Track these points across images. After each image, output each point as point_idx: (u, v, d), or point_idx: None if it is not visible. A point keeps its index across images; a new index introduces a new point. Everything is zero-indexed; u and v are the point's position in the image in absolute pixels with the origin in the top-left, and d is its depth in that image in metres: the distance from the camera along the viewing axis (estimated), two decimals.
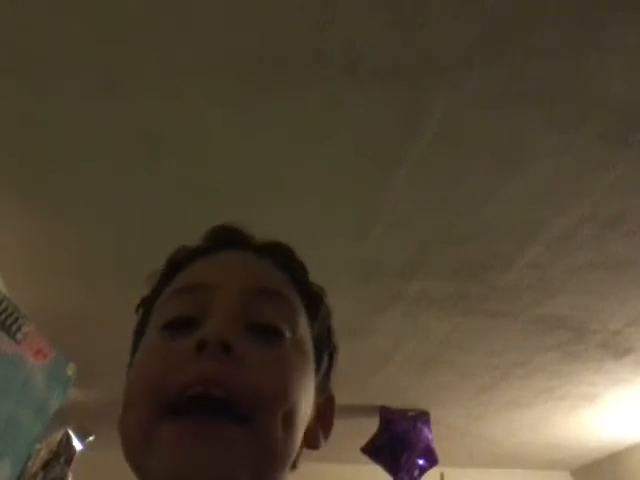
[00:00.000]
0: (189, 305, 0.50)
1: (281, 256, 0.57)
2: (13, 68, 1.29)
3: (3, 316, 1.64)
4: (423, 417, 3.18)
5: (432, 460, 3.15)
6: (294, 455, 0.49)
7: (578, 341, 2.48)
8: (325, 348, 0.57)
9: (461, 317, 2.30)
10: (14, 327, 1.68)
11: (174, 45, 1.24)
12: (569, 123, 1.42)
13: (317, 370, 0.55)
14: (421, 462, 3.13)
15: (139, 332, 0.56)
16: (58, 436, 2.22)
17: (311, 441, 0.54)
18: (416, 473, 3.13)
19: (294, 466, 0.53)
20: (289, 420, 0.47)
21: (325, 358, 0.57)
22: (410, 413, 3.17)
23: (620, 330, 2.39)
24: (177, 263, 0.56)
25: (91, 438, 2.42)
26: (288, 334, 0.50)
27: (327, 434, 0.56)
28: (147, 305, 0.57)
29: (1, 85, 1.34)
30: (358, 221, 1.78)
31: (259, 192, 1.67)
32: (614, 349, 2.54)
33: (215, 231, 0.59)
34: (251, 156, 1.55)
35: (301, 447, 0.52)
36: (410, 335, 2.45)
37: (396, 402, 3.13)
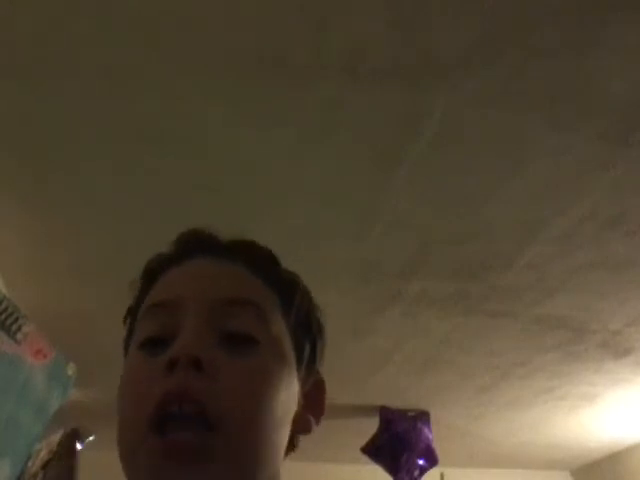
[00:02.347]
0: (162, 322, 0.51)
1: (250, 255, 0.57)
2: (13, 68, 1.29)
3: (3, 316, 1.64)
4: (423, 417, 3.18)
5: (432, 460, 3.15)
6: (281, 451, 0.51)
7: (578, 341, 2.48)
8: (306, 334, 0.58)
9: (461, 317, 2.30)
10: (14, 327, 1.68)
11: (174, 45, 1.24)
12: (569, 123, 1.42)
13: (299, 360, 0.55)
14: (421, 462, 3.13)
15: (128, 340, 0.57)
16: (58, 436, 2.22)
17: (302, 427, 0.55)
18: (416, 473, 3.13)
19: (293, 447, 0.55)
20: (268, 426, 0.48)
21: (307, 344, 0.57)
22: (410, 413, 3.17)
23: (620, 330, 2.39)
24: (152, 272, 0.58)
25: (91, 438, 2.42)
26: (262, 339, 0.51)
27: (318, 418, 0.57)
28: (132, 314, 0.58)
29: (1, 85, 1.34)
30: (358, 221, 1.78)
31: (259, 192, 1.67)
32: (614, 349, 2.54)
33: (185, 237, 0.60)
34: (251, 156, 1.55)
35: (293, 433, 0.53)
36: (410, 335, 2.45)
37: (396, 402, 3.13)
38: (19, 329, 1.69)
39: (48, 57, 1.26)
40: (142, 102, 1.38)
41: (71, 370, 1.96)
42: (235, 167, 1.58)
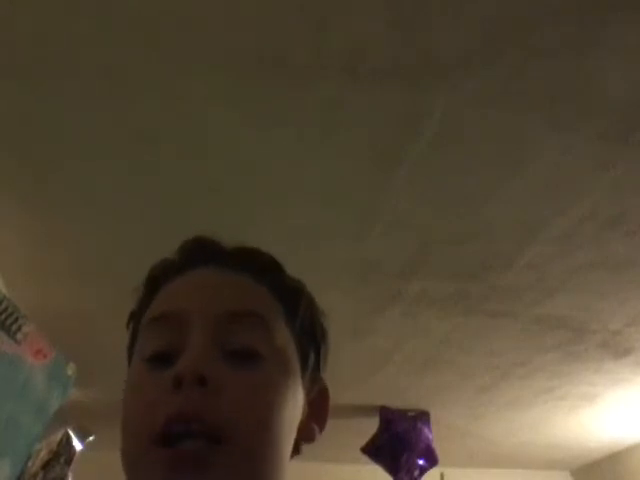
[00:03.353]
0: (166, 337, 0.51)
1: (254, 263, 0.57)
2: (13, 68, 1.29)
3: (3, 316, 1.64)
4: (423, 417, 3.18)
5: (432, 460, 3.15)
6: (285, 461, 0.51)
7: (578, 341, 2.48)
8: (310, 341, 0.57)
9: (461, 317, 2.30)
10: (14, 327, 1.68)
11: (174, 45, 1.24)
12: (569, 123, 1.42)
13: (304, 368, 0.55)
14: (421, 462, 3.13)
15: (131, 347, 0.57)
16: (58, 436, 2.22)
17: (306, 436, 0.55)
18: (416, 473, 3.13)
19: (297, 452, 0.54)
20: (273, 439, 0.48)
21: (311, 352, 0.57)
22: (410, 413, 3.17)
23: (620, 330, 2.39)
24: (155, 280, 0.57)
25: (91, 438, 2.42)
26: (266, 352, 0.51)
27: (322, 426, 0.57)
28: (135, 320, 0.58)
29: (1, 85, 1.34)
30: (358, 221, 1.78)
31: (259, 192, 1.67)
32: (614, 349, 2.54)
33: (188, 245, 0.59)
34: (251, 156, 1.55)
35: (297, 441, 0.53)
36: (410, 335, 2.45)
37: (396, 402, 3.13)
38: (19, 329, 1.69)
39: (48, 57, 1.26)
40: (142, 102, 1.38)
41: (71, 370, 1.96)
42: (235, 167, 1.58)
